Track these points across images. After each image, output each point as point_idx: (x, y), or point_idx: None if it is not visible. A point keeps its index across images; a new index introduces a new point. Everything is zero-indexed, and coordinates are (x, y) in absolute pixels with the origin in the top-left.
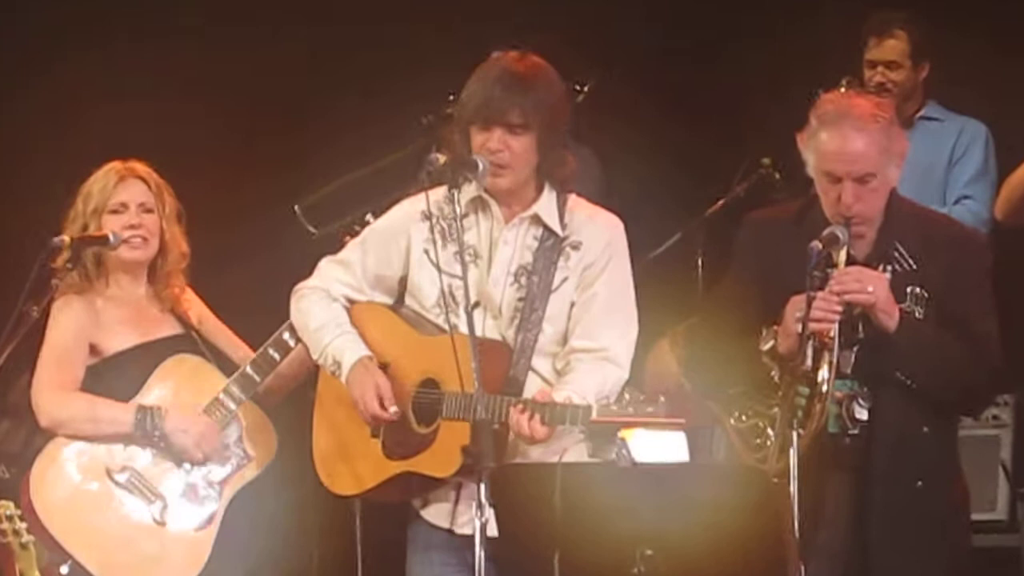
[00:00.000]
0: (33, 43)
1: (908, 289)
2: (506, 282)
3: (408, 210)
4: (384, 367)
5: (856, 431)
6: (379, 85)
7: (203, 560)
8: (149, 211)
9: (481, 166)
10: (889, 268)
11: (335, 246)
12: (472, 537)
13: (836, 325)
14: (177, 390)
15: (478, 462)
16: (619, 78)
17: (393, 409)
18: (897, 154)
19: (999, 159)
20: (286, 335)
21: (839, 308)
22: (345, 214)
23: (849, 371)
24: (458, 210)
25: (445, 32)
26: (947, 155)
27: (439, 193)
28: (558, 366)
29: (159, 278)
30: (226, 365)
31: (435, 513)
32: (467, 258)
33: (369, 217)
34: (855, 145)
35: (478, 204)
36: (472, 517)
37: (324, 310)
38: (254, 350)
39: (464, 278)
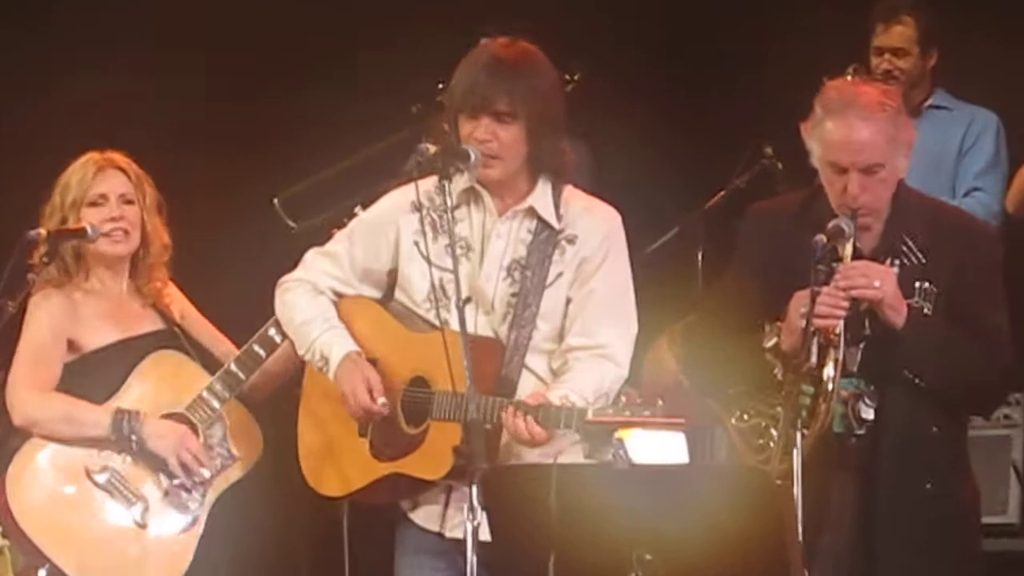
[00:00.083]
0: None
1: (916, 284)
2: (499, 277)
3: (397, 201)
4: (372, 364)
5: (862, 431)
6: (365, 74)
7: (186, 564)
8: (130, 202)
9: (473, 156)
10: (897, 262)
11: (322, 238)
12: (463, 541)
13: (842, 321)
14: (158, 388)
15: (470, 463)
16: (615, 64)
17: (382, 400)
18: (905, 144)
19: (1010, 149)
20: (272, 331)
21: (845, 304)
22: (328, 207)
23: (855, 369)
24: (449, 201)
25: (433, 18)
26: (957, 145)
27: (429, 183)
28: (554, 365)
29: (140, 272)
30: (210, 362)
31: (424, 516)
32: (458, 251)
33: (358, 209)
34: (861, 134)
35: (470, 195)
36: (463, 520)
37: (311, 304)
38: (239, 346)
39: (455, 272)
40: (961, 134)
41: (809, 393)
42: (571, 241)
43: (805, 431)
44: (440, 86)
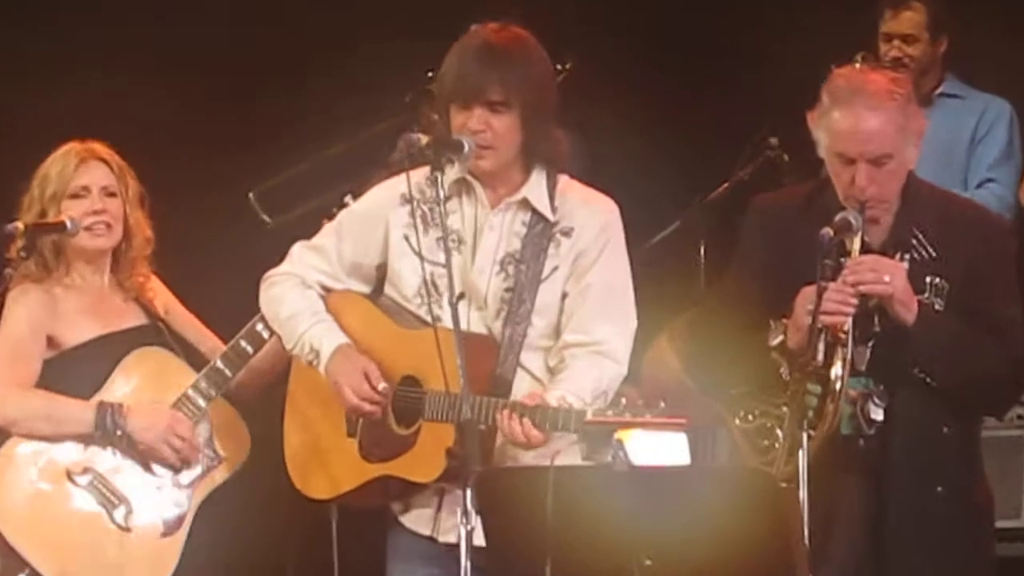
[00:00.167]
0: None
1: (927, 279)
2: (492, 271)
3: (387, 193)
4: None
5: (871, 432)
6: (357, 70)
7: (170, 568)
8: (112, 195)
9: (467, 147)
10: (907, 256)
11: (312, 230)
12: (457, 546)
13: (850, 318)
14: (142, 385)
15: (464, 465)
16: (607, 53)
17: (383, 385)
18: (915, 133)
19: None
20: (259, 326)
21: (853, 300)
22: (306, 202)
23: (864, 368)
24: (442, 193)
25: (425, 11)
26: (969, 135)
27: (420, 174)
28: (551, 362)
29: (122, 266)
30: (195, 358)
31: (416, 520)
32: (450, 244)
33: (348, 198)
34: (870, 124)
35: (462, 187)
36: (457, 525)
37: (298, 297)
38: (225, 342)
39: (448, 266)
40: (974, 123)
41: (816, 393)
42: (567, 234)
43: (812, 432)
44: (430, 74)
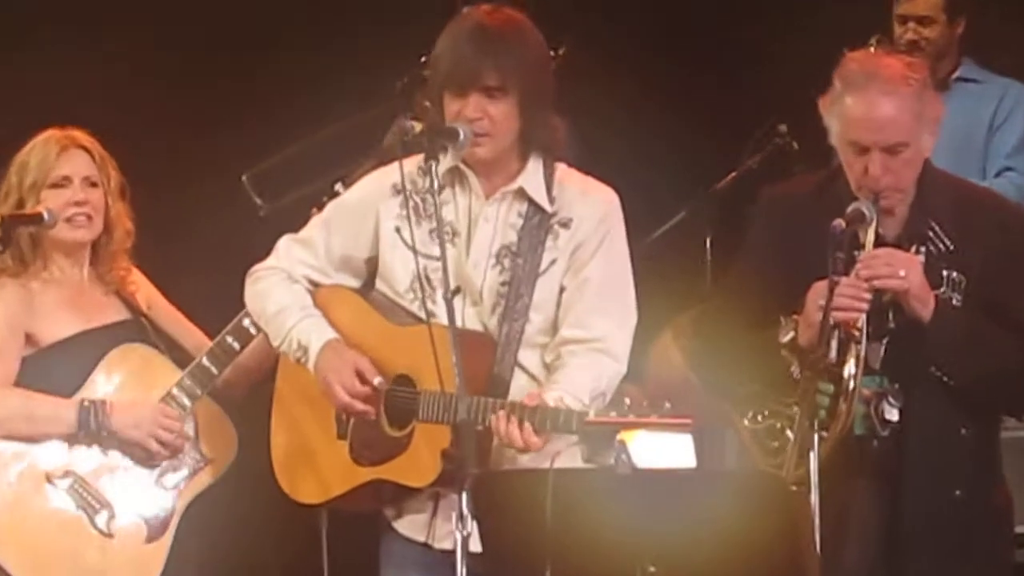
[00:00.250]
0: None
1: (944, 273)
2: (487, 264)
3: (377, 184)
4: None
5: (886, 433)
6: (341, 42)
7: (154, 575)
8: (94, 185)
9: (463, 135)
10: (923, 249)
11: (300, 221)
12: (452, 553)
13: (864, 314)
14: (125, 384)
15: (460, 468)
16: (603, 38)
17: (378, 380)
18: (931, 120)
19: None
20: (246, 321)
21: (867, 295)
22: (301, 186)
23: (878, 366)
24: (435, 183)
25: None
26: (987, 121)
27: (411, 164)
28: (547, 359)
29: (103, 259)
30: (179, 355)
31: (410, 525)
32: (444, 237)
33: (339, 186)
34: (884, 110)
35: (455, 176)
36: (452, 530)
37: (285, 292)
38: (211, 338)
39: (443, 259)
40: (992, 109)
41: (828, 392)
42: (565, 225)
43: (823, 433)
44: (423, 60)
